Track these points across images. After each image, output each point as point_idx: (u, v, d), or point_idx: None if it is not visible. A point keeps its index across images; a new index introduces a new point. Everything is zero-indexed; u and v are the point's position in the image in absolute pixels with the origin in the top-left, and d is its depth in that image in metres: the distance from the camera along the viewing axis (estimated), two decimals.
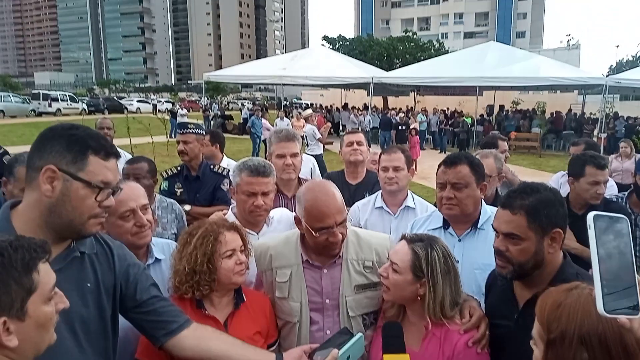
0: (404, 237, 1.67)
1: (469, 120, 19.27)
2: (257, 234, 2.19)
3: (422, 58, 31.94)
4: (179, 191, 3.35)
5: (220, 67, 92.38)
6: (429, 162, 11.06)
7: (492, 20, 70.61)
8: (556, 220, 1.50)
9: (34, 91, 41.62)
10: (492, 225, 1.61)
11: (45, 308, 1.02)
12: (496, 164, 2.78)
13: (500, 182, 2.89)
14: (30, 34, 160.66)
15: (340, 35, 43.18)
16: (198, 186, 3.40)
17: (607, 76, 18.59)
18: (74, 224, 1.25)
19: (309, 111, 13.55)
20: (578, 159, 2.78)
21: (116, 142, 5.24)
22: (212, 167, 3.54)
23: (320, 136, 10.87)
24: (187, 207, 3.14)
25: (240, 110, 25.96)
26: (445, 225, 2.14)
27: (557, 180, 4.10)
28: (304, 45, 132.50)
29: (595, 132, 18.28)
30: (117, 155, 1.33)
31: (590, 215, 0.92)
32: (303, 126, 12.32)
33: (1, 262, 0.95)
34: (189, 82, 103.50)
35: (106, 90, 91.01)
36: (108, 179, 1.27)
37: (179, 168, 3.51)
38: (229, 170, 3.55)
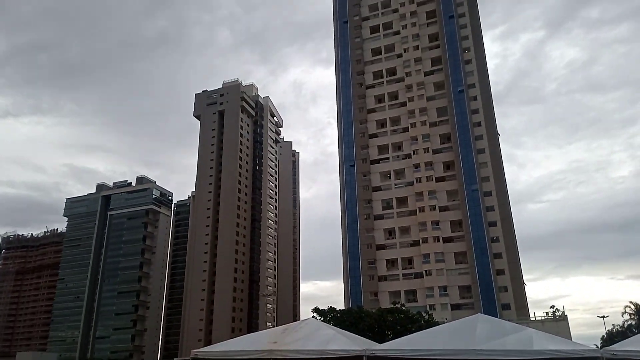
0: None
1: None
2: None
3: (413, 329, 31.95)
4: None
5: (210, 342, 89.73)
6: None
7: (476, 293, 73.64)
8: None
9: None
10: None
11: None
12: None
13: None
14: (22, 312, 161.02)
15: (330, 307, 44.08)
16: None
17: (601, 348, 18.41)
18: None
19: None
20: None
21: None
22: None
23: None
24: None
25: None
26: None
27: None
28: (295, 317, 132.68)
29: None
30: None
31: None
32: None
33: None
34: (175, 359, 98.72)
35: None
36: None
37: None
38: None
